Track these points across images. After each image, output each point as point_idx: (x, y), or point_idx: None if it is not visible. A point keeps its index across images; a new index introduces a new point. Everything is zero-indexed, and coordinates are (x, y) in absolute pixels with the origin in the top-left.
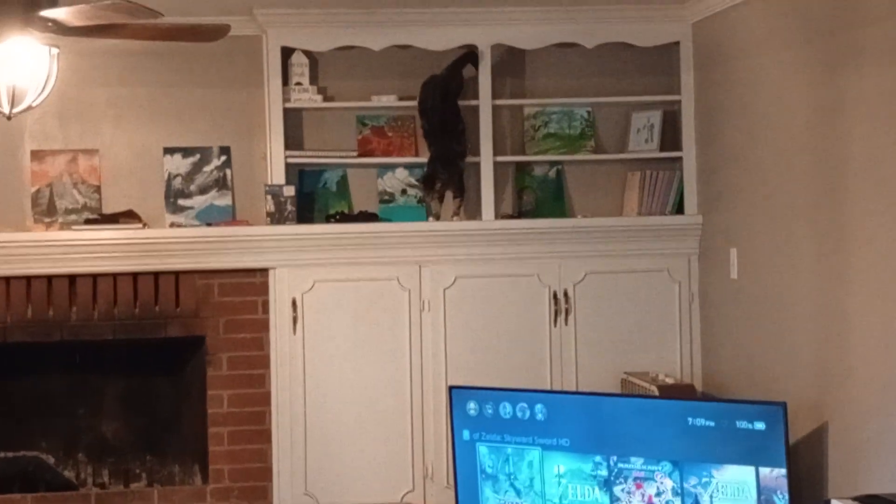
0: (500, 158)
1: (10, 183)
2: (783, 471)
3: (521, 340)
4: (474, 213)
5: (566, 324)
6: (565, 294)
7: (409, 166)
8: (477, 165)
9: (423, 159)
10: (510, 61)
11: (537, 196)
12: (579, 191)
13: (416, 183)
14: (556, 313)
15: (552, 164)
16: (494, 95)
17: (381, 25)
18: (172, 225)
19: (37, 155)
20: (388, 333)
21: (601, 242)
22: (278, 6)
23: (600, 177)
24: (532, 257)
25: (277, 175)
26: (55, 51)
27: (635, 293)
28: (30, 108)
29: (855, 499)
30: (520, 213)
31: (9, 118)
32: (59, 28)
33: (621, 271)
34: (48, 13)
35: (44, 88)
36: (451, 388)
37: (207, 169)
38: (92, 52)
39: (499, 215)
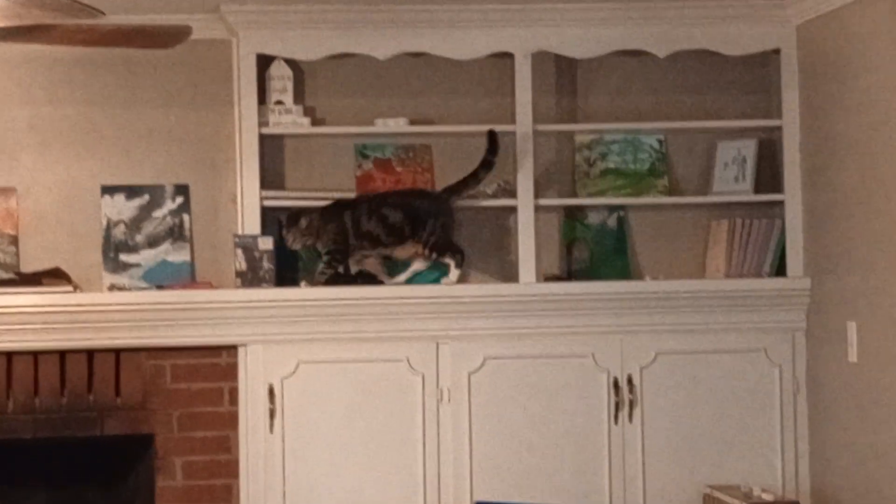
0: (543, 201)
1: None
2: None
3: (570, 442)
4: (509, 272)
5: (630, 420)
6: (629, 381)
7: None
8: (512, 211)
9: None
10: (557, 74)
11: (592, 251)
12: (648, 244)
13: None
14: (618, 406)
15: (612, 209)
16: (536, 119)
17: (387, 27)
18: (112, 288)
19: None
20: (394, 432)
21: (677, 313)
22: (253, 1)
23: (676, 226)
24: (585, 332)
25: (251, 222)
26: None
27: (722, 380)
28: None
29: None
30: (569, 274)
31: None
32: None
33: (703, 351)
34: None
35: None
36: None
37: (159, 214)
38: (9, 61)
39: (541, 276)
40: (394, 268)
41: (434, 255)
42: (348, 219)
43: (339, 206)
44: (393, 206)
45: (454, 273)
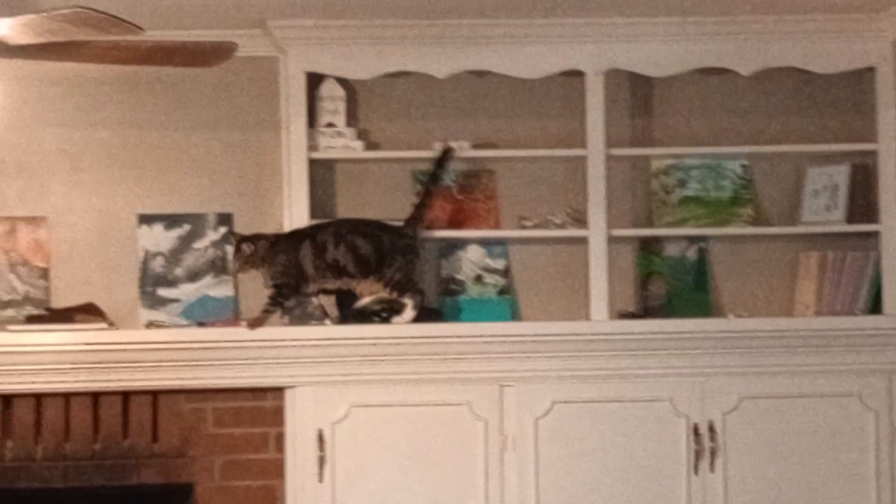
0: (616, 232)
1: None
2: None
3: (645, 494)
4: (577, 309)
5: (712, 470)
6: (710, 428)
7: (487, 242)
8: (582, 242)
9: (508, 232)
10: (632, 94)
11: (670, 286)
12: (730, 279)
13: (496, 267)
14: (698, 455)
15: (692, 240)
16: (609, 142)
17: (447, 43)
18: (150, 325)
19: None
20: (454, 482)
21: (762, 354)
22: (302, 15)
23: (761, 259)
24: (662, 374)
25: None
26: None
27: (812, 427)
28: None
29: None
30: (645, 311)
31: None
32: None
33: (792, 396)
34: None
35: None
36: None
37: (200, 245)
38: (41, 81)
39: (615, 314)
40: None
41: (395, 294)
42: (308, 248)
43: (298, 235)
44: (363, 236)
45: (409, 314)
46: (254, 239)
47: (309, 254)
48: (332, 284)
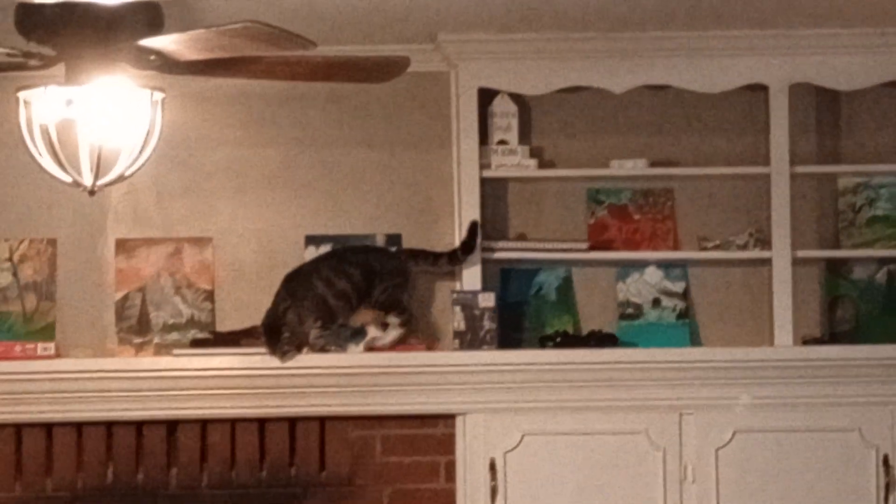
0: (802, 253)
1: (85, 286)
2: None
3: None
4: (760, 334)
5: None
6: None
7: (665, 264)
8: (765, 263)
9: (688, 253)
10: (817, 109)
11: (859, 310)
12: None
13: (675, 290)
14: (888, 488)
15: (881, 262)
16: (794, 160)
17: (623, 57)
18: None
19: (124, 246)
20: None
21: None
22: (474, 30)
23: None
24: (850, 402)
25: (470, 277)
26: (159, 96)
27: None
28: (121, 178)
29: None
30: (832, 336)
31: (91, 193)
32: (166, 63)
33: None
34: (151, 42)
35: (142, 150)
36: None
37: None
38: (206, 99)
39: (800, 339)
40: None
41: (381, 314)
42: (319, 284)
43: (301, 276)
44: (352, 264)
45: (394, 332)
46: (275, 319)
47: (322, 289)
48: (348, 314)
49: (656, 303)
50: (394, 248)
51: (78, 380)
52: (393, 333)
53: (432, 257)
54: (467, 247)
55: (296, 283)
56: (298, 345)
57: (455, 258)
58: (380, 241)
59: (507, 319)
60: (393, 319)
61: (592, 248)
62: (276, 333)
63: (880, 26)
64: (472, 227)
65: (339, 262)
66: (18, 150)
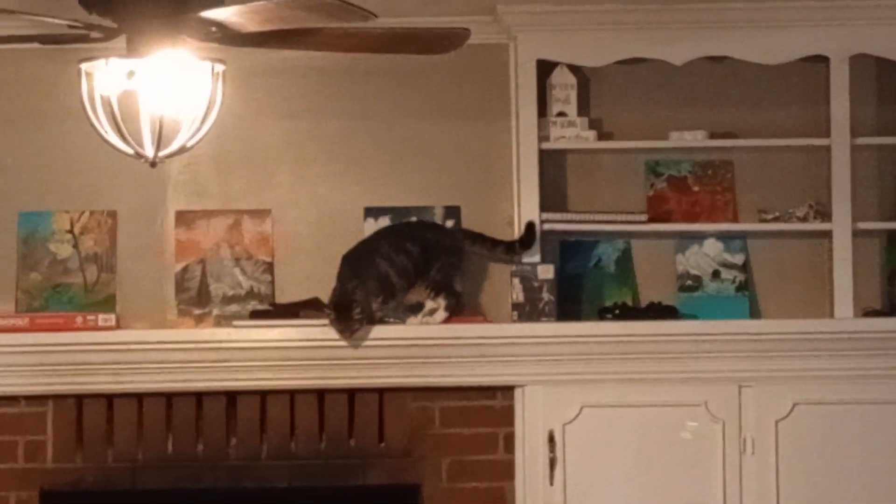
0: (862, 225)
1: (145, 258)
2: None
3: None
4: (820, 306)
5: None
6: None
7: (724, 236)
8: (826, 236)
9: (747, 225)
10: (879, 80)
11: None
12: None
13: (735, 262)
14: None
15: None
16: (855, 131)
17: (683, 28)
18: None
19: (184, 218)
20: (690, 487)
21: None
22: (533, 1)
23: None
24: None
25: (530, 249)
26: (220, 67)
27: None
28: (182, 149)
29: None
30: (892, 308)
31: (153, 164)
32: (227, 35)
33: None
34: (211, 14)
35: (203, 122)
36: None
37: None
38: (265, 70)
39: (860, 311)
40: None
41: (432, 294)
42: (382, 262)
43: (363, 255)
44: (412, 240)
45: (440, 314)
46: (343, 297)
47: (387, 267)
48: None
49: (716, 275)
50: (451, 225)
51: (138, 351)
52: (441, 315)
53: (490, 244)
54: (526, 243)
55: (359, 263)
56: (369, 321)
57: (513, 249)
58: (438, 214)
59: (565, 291)
60: (441, 301)
61: (651, 220)
62: (346, 311)
63: None
64: (530, 227)
65: (398, 238)
66: (80, 122)
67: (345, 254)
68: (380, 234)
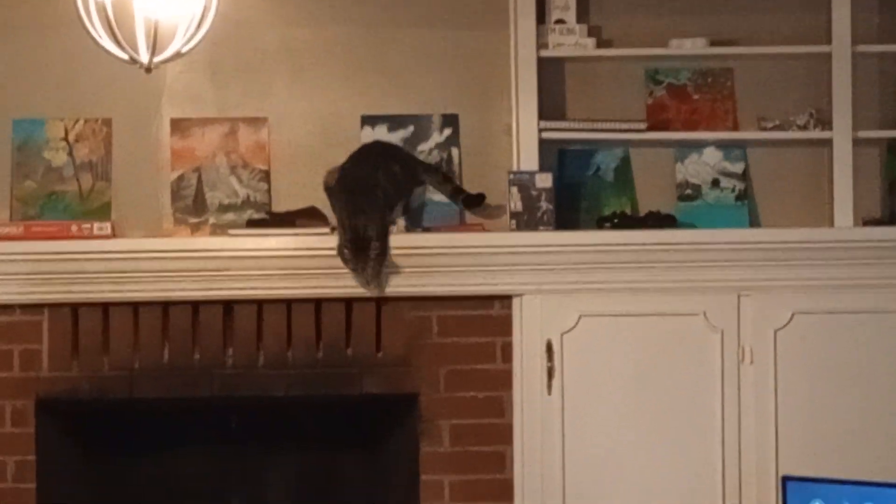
0: (863, 134)
1: (140, 166)
2: None
3: (890, 410)
4: (820, 215)
5: None
6: None
7: (724, 145)
8: (826, 144)
9: (747, 134)
10: None
11: None
12: None
13: (734, 171)
14: None
15: None
16: (856, 38)
17: None
18: None
19: (179, 126)
20: (688, 395)
21: None
22: None
23: None
24: None
25: (528, 157)
26: None
27: None
28: (177, 55)
29: None
30: (892, 217)
31: (148, 70)
32: None
33: None
34: None
35: (199, 26)
36: (784, 480)
37: (424, 148)
38: None
39: (860, 220)
40: None
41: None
42: (380, 193)
43: (359, 188)
44: (394, 160)
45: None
46: (357, 233)
47: (382, 196)
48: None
49: (715, 183)
50: (449, 134)
51: (134, 259)
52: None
53: (442, 178)
54: (467, 203)
55: (363, 198)
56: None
57: (457, 195)
58: (436, 122)
59: (564, 200)
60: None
61: (650, 128)
62: (364, 252)
63: None
64: (480, 197)
65: (386, 162)
66: (74, 28)
67: (336, 185)
68: (367, 160)
